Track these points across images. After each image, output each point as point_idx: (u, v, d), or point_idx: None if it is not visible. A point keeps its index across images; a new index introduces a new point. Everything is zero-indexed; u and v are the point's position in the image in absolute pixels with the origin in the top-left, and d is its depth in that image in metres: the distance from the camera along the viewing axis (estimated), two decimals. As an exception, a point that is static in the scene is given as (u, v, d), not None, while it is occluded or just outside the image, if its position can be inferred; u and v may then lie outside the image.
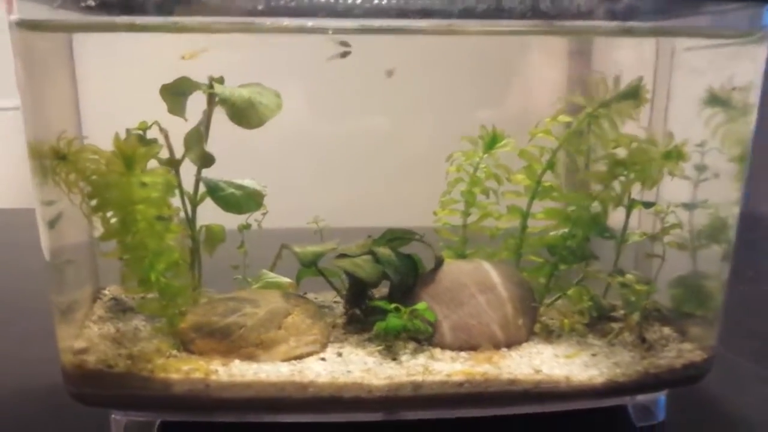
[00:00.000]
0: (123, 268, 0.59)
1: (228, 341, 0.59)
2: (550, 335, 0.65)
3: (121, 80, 0.68)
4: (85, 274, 0.69)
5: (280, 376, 0.56)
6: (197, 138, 0.62)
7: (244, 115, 0.63)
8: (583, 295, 0.66)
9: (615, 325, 0.67)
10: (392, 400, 0.57)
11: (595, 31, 0.66)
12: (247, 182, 0.67)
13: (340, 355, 0.60)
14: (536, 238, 0.69)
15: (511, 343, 0.62)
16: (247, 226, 0.70)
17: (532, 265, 0.70)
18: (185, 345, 0.60)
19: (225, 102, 0.62)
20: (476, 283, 0.62)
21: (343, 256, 0.65)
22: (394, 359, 0.59)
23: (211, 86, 0.63)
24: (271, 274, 0.72)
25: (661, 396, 0.63)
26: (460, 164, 0.72)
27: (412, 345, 0.62)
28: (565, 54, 0.79)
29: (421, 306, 0.60)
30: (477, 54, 0.73)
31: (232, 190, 0.65)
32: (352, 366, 0.58)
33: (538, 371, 0.58)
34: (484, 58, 0.75)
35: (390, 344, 0.61)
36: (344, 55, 0.60)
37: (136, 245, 0.57)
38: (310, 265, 0.66)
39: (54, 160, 0.55)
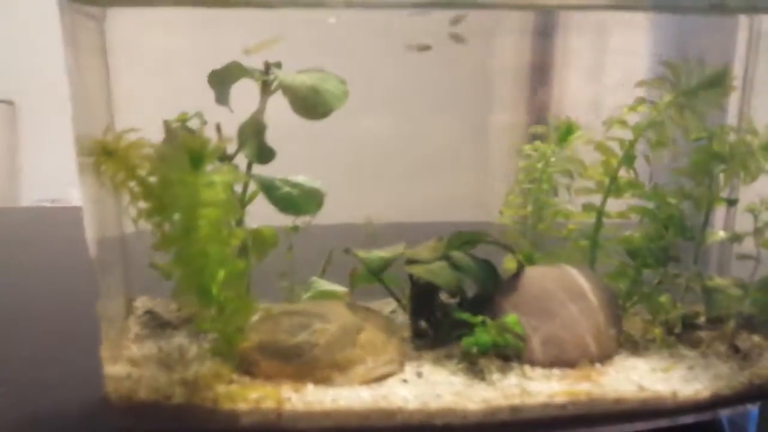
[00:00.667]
0: (178, 279, 0.51)
1: (299, 363, 0.51)
2: (636, 347, 0.60)
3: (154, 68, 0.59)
4: (118, 284, 0.61)
5: (364, 402, 0.50)
6: (255, 130, 0.54)
7: (309, 104, 0.56)
8: (669, 303, 0.61)
9: (702, 334, 0.62)
10: (488, 426, 0.51)
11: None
12: (301, 179, 0.60)
13: (420, 375, 0.54)
14: (615, 239, 0.63)
15: (604, 357, 0.57)
16: (296, 228, 0.63)
17: (607, 270, 0.65)
18: (246, 367, 0.52)
19: (287, 89, 0.54)
20: (565, 290, 0.57)
21: (412, 261, 0.58)
22: (483, 380, 0.53)
23: (267, 72, 0.55)
24: (323, 282, 0.65)
25: (754, 409, 0.59)
26: (528, 159, 0.66)
27: (496, 362, 0.56)
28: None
29: (511, 319, 0.54)
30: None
31: (288, 188, 0.58)
32: (440, 388, 0.52)
33: (643, 389, 0.53)
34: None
35: (474, 362, 0.55)
36: (423, 48, 0.54)
37: (196, 253, 0.49)
38: (378, 273, 0.59)
39: (100, 156, 0.47)
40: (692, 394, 0.53)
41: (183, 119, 0.55)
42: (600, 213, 0.64)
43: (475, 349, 0.54)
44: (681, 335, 0.62)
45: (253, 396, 0.49)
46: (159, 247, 0.48)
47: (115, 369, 0.51)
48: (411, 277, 0.60)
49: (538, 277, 0.58)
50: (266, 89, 0.56)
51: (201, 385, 0.49)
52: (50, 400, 0.60)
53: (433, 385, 0.52)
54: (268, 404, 0.49)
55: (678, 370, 0.56)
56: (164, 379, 0.50)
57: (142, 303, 0.64)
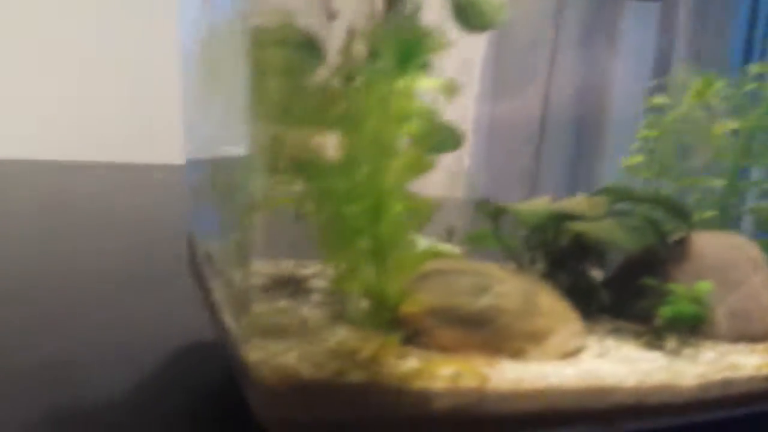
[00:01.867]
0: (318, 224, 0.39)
1: (486, 332, 0.41)
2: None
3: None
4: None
5: (572, 380, 0.40)
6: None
7: (465, 14, 0.45)
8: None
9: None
10: (701, 402, 0.43)
11: None
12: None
13: (607, 349, 0.45)
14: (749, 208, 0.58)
15: (781, 331, 0.51)
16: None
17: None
18: (416, 337, 0.41)
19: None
20: (747, 260, 0.50)
21: (567, 218, 0.49)
22: (678, 354, 0.45)
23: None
24: (424, 240, 0.54)
25: None
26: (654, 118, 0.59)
27: (673, 336, 0.48)
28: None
29: (704, 287, 0.47)
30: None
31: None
32: (643, 364, 0.43)
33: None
34: None
35: (659, 335, 0.47)
36: None
37: (367, 182, 0.37)
38: (538, 229, 0.49)
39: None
40: None
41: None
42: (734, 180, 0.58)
43: (660, 321, 0.46)
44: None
45: (446, 372, 0.38)
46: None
47: (263, 342, 0.37)
48: (554, 237, 0.51)
49: (713, 244, 0.51)
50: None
51: (375, 360, 0.37)
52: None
53: (633, 361, 0.44)
54: (468, 382, 0.38)
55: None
56: (319, 353, 0.37)
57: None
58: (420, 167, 0.37)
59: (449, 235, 0.54)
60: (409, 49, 0.34)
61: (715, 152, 0.58)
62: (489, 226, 0.54)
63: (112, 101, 1.96)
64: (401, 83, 0.35)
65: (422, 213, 0.39)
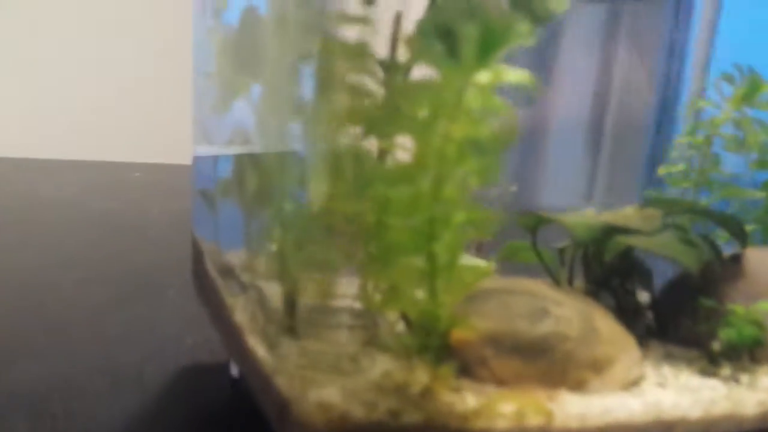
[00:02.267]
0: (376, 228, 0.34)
1: (545, 361, 0.37)
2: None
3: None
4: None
5: (636, 413, 0.37)
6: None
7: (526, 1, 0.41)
8: None
9: None
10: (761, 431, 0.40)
11: None
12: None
13: (665, 378, 0.42)
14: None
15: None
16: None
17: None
18: (468, 367, 0.37)
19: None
20: (804, 277, 0.47)
21: (618, 231, 0.46)
22: (736, 381, 0.42)
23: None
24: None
25: None
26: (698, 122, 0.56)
27: (727, 361, 0.45)
28: None
29: (764, 307, 0.44)
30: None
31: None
32: (705, 393, 0.40)
33: None
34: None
35: (716, 361, 0.44)
36: None
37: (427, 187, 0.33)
38: (588, 244, 0.46)
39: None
40: None
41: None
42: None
43: (718, 346, 0.43)
44: None
45: (509, 409, 0.34)
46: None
47: (304, 375, 0.33)
48: (596, 251, 0.48)
49: (767, 262, 0.48)
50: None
51: (429, 396, 0.33)
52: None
53: (694, 390, 0.40)
54: (533, 420, 0.34)
55: None
56: (369, 386, 0.33)
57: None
58: (490, 173, 0.33)
59: (478, 249, 0.51)
60: (493, 38, 0.30)
61: (759, 162, 0.55)
62: (522, 238, 0.50)
63: (89, 99, 1.88)
64: (481, 77, 0.30)
65: (484, 226, 0.35)
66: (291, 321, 0.36)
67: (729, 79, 0.55)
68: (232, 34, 0.49)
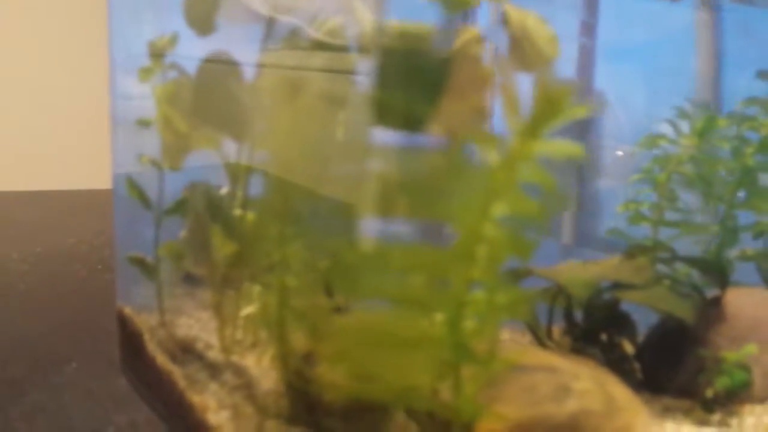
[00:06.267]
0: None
1: (575, 443, 0.35)
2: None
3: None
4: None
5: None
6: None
7: (522, 50, 0.39)
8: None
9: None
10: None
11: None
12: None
13: (673, 434, 0.41)
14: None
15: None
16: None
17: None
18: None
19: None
20: (775, 317, 0.49)
21: (613, 286, 0.45)
22: (727, 425, 0.43)
23: None
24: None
25: None
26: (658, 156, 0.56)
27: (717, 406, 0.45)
28: None
29: (749, 350, 0.44)
30: None
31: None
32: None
33: None
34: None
35: (709, 408, 0.44)
36: None
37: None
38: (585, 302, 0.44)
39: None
40: None
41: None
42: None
43: (711, 393, 0.43)
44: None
45: (553, 507, 0.31)
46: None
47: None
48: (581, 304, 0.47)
49: (746, 303, 0.49)
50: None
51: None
52: None
53: (705, 447, 0.40)
54: None
55: None
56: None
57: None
58: (523, 251, 0.31)
59: None
60: (552, 106, 0.27)
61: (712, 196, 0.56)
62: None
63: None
64: (530, 147, 0.27)
65: (520, 308, 0.32)
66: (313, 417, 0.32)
67: (684, 114, 0.56)
68: (185, 83, 0.43)
